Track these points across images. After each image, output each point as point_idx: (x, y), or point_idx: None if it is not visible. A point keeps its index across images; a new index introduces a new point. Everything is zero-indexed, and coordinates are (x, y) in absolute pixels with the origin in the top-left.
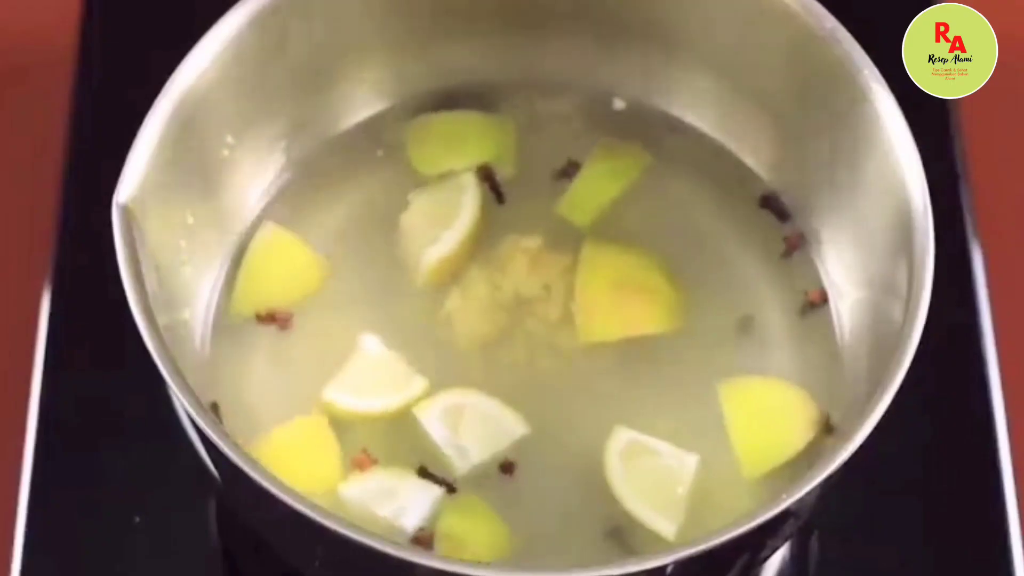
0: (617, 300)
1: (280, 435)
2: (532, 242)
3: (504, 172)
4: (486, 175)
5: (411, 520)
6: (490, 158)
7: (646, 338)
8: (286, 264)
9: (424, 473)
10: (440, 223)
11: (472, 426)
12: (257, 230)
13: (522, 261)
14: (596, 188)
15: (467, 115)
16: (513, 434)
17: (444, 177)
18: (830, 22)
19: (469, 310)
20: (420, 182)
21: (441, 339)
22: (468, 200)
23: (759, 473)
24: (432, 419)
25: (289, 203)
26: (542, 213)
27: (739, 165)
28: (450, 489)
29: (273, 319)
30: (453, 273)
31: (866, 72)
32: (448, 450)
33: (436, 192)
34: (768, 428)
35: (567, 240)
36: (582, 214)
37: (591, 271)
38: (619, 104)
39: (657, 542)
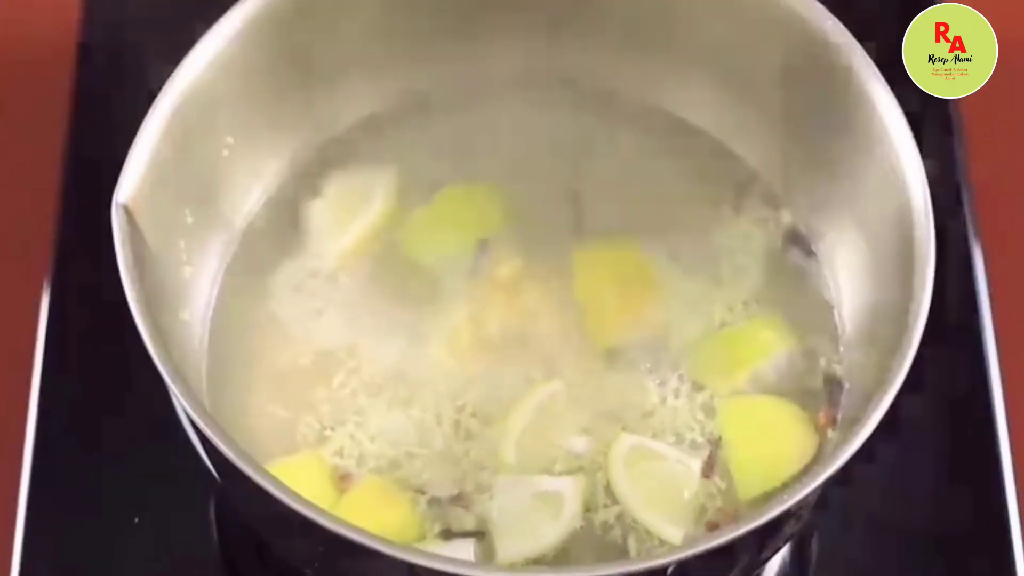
0: (623, 299)
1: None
2: (507, 272)
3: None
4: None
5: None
6: (484, 233)
7: (647, 339)
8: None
9: (449, 535)
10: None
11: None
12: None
13: (502, 295)
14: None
15: (453, 192)
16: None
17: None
18: (830, 22)
19: (459, 352)
20: (420, 184)
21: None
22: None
23: (753, 496)
24: None
25: (288, 203)
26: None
27: (739, 164)
28: (480, 536)
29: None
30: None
31: (866, 72)
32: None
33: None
34: (766, 451)
35: (544, 259)
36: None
37: (591, 275)
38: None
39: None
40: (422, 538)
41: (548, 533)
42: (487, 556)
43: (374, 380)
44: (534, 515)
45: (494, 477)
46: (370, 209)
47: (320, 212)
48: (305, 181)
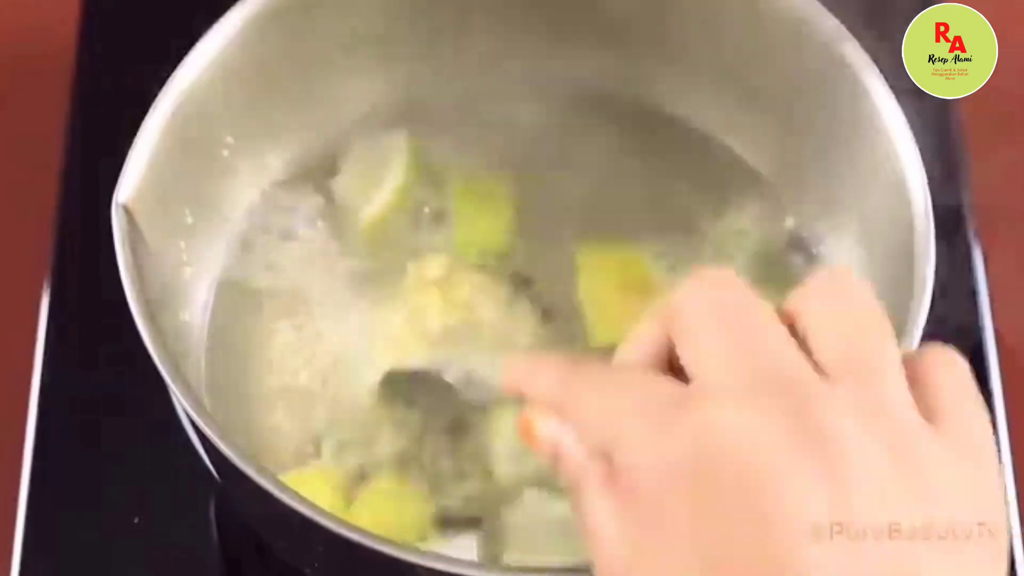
0: (625, 300)
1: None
2: (436, 270)
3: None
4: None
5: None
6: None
7: None
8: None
9: (447, 522)
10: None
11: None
12: None
13: (435, 292)
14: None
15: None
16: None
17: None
18: (830, 22)
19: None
20: (421, 183)
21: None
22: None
23: None
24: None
25: (288, 203)
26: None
27: (739, 164)
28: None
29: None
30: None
31: (866, 72)
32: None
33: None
34: None
35: (545, 260)
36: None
37: (593, 276)
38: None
39: None
40: (424, 533)
41: (562, 557)
42: (489, 559)
43: (370, 387)
44: (551, 539)
45: (497, 468)
46: (387, 184)
47: (342, 185)
48: (304, 181)
